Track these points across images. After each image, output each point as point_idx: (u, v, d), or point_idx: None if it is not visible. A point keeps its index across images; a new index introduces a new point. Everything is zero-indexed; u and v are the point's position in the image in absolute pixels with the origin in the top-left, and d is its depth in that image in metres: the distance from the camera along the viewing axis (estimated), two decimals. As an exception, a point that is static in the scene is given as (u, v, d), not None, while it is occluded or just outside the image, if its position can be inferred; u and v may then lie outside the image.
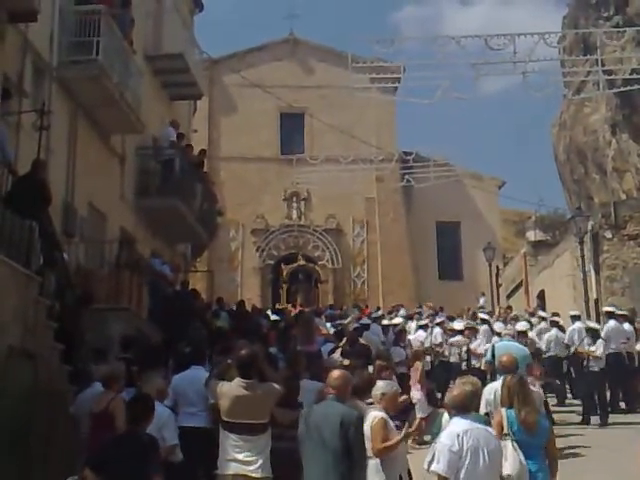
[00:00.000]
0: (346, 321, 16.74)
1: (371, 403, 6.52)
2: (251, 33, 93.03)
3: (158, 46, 17.86)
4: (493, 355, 10.69)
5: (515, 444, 5.84)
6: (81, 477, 5.82)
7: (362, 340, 12.67)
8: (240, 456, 6.13)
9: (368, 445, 5.98)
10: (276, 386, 6.42)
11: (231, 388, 6.29)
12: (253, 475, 6.09)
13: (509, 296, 29.47)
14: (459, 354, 15.06)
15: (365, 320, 16.65)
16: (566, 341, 14.64)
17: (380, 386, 6.59)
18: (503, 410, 6.11)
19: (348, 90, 18.21)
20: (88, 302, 10.24)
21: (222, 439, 6.25)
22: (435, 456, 5.38)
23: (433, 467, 5.33)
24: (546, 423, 6.18)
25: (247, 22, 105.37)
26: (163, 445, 6.51)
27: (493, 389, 7.47)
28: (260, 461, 6.13)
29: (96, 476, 5.60)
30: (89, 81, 12.82)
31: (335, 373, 6.23)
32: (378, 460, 6.06)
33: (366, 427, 6.05)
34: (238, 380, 6.30)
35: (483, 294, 27.03)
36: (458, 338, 15.36)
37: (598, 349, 13.42)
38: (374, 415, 6.21)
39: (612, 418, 13.28)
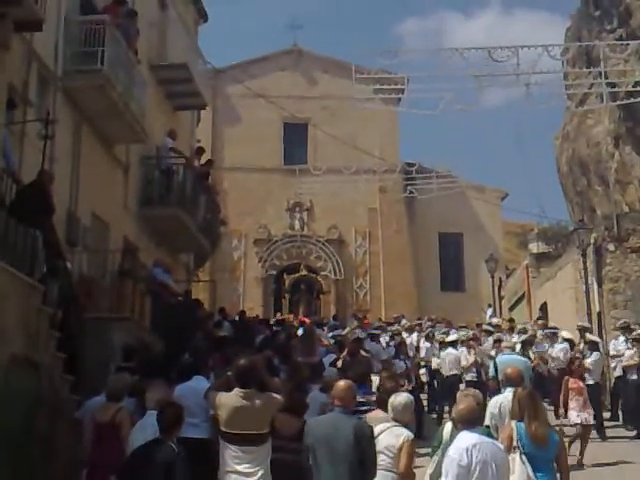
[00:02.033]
0: (344, 332, 16.73)
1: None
2: (255, 44, 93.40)
3: (162, 56, 17.91)
4: (496, 369, 10.69)
5: (524, 457, 5.81)
6: None
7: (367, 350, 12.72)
8: (240, 467, 6.04)
9: (390, 459, 5.95)
10: (276, 396, 6.39)
11: (230, 398, 6.22)
12: None
13: (511, 308, 29.37)
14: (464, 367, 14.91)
15: (373, 330, 16.71)
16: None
17: (400, 401, 6.43)
18: (513, 423, 6.07)
19: (351, 101, 18.25)
20: (76, 305, 10.18)
21: (222, 450, 6.18)
22: (443, 470, 5.36)
23: None
24: (556, 437, 6.14)
25: (251, 33, 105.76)
26: None
27: (498, 402, 7.45)
28: (260, 472, 6.04)
29: None
30: (94, 91, 12.86)
31: (341, 384, 6.20)
32: (392, 474, 6.01)
33: (395, 443, 6.01)
34: (237, 390, 6.23)
35: (490, 305, 26.96)
36: (450, 350, 15.29)
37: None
38: (407, 435, 6.10)
39: (612, 432, 13.31)
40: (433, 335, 17.73)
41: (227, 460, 6.11)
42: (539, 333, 17.06)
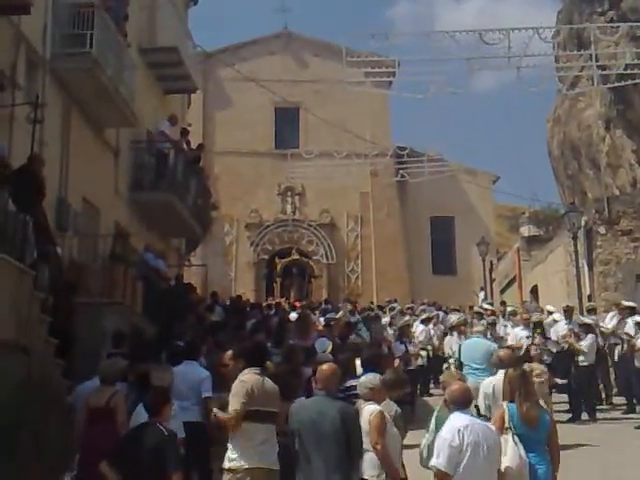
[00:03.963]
0: (338, 315, 16.78)
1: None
2: (245, 27, 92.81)
3: (152, 39, 17.76)
4: (460, 353, 10.91)
5: (516, 438, 5.84)
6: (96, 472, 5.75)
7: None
8: (262, 447, 5.86)
9: (366, 439, 6.00)
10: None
11: (251, 376, 6.03)
12: (273, 468, 5.87)
13: (502, 291, 29.48)
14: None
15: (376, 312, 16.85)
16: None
17: (366, 380, 6.59)
18: (504, 404, 6.10)
19: (342, 84, 18.17)
20: (72, 292, 10.20)
21: (248, 430, 5.87)
22: (435, 451, 5.39)
23: (433, 462, 5.34)
24: (547, 417, 6.18)
25: (241, 16, 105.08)
26: None
27: (492, 383, 7.48)
28: (276, 450, 5.93)
29: (113, 470, 5.56)
30: (83, 74, 12.75)
31: (324, 368, 6.20)
32: (372, 454, 6.07)
33: (363, 421, 6.07)
34: (249, 370, 6.07)
35: (482, 288, 27.05)
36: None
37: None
38: (372, 409, 6.19)
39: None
40: (429, 318, 17.78)
41: (253, 439, 5.87)
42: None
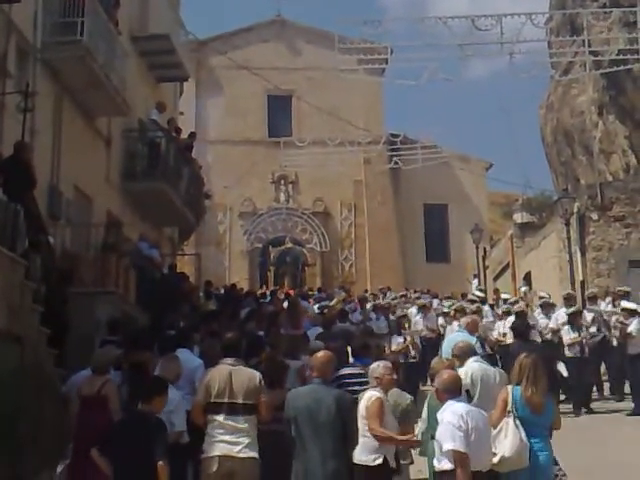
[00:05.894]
0: (332, 303, 16.76)
1: None
2: (238, 14, 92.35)
3: (144, 27, 17.63)
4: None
5: (517, 421, 5.86)
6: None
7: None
8: (226, 437, 6.13)
9: (363, 423, 6.02)
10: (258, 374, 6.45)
11: (219, 369, 6.35)
12: (239, 455, 6.08)
13: (496, 278, 29.53)
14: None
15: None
16: None
17: (371, 370, 6.62)
18: (509, 387, 6.12)
19: (335, 72, 18.12)
20: (68, 282, 10.19)
21: (209, 422, 6.24)
22: (447, 436, 5.39)
23: (450, 446, 5.32)
24: (552, 405, 6.19)
25: (234, 2, 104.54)
26: (171, 430, 6.52)
27: (468, 373, 7.45)
28: (247, 441, 6.13)
29: (102, 457, 5.60)
30: (74, 62, 12.68)
31: (320, 355, 6.25)
32: (366, 439, 6.10)
33: (362, 406, 6.12)
34: (224, 360, 6.39)
35: (475, 276, 27.09)
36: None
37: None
38: (370, 395, 6.23)
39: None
40: (426, 306, 17.69)
41: (214, 431, 6.18)
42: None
